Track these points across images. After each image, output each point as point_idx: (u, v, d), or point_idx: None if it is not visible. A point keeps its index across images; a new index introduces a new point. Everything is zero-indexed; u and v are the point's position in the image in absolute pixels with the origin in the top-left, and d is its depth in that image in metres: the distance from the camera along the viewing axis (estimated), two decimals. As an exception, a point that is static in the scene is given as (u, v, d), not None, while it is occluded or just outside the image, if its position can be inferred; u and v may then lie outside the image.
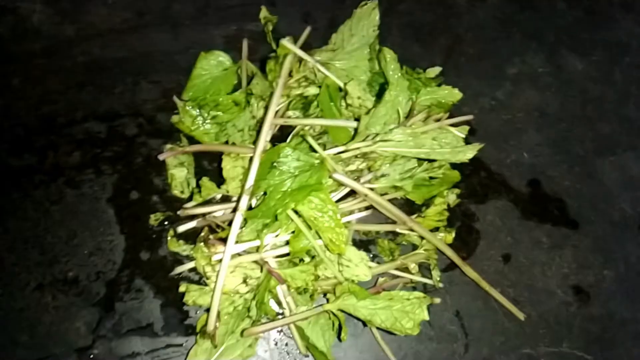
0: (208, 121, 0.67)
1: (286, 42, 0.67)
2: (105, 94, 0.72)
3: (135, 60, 0.73)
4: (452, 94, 0.65)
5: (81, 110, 0.71)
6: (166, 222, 0.67)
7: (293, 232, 0.61)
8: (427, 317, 0.57)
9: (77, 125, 0.70)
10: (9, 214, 0.67)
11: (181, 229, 0.65)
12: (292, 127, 0.69)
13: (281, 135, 0.69)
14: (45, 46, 0.73)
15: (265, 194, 0.61)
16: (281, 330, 0.65)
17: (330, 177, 0.61)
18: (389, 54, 0.63)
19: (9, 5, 0.74)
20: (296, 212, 0.60)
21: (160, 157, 0.66)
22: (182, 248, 0.65)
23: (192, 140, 0.68)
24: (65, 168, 0.69)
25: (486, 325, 0.67)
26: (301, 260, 0.62)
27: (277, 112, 0.66)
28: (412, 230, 0.65)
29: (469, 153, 0.62)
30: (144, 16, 0.75)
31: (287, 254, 0.61)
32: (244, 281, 0.61)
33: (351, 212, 0.66)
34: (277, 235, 0.62)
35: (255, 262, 0.61)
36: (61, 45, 0.73)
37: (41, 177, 0.68)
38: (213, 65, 0.70)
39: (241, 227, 0.60)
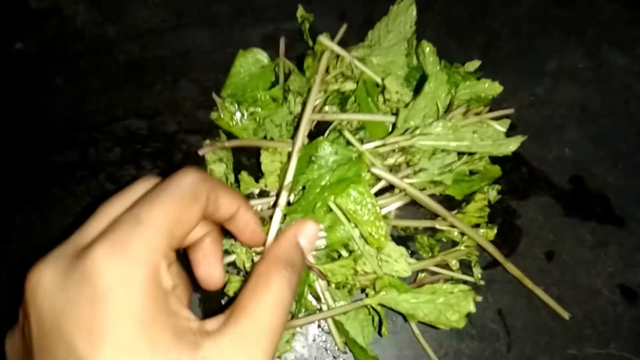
0: (246, 117, 0.68)
1: (323, 38, 0.67)
2: (145, 92, 0.73)
3: (175, 59, 0.74)
4: (492, 87, 0.64)
5: (122, 108, 0.72)
6: (205, 217, 0.67)
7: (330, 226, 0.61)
8: (473, 309, 0.55)
9: (118, 122, 0.72)
10: (50, 208, 0.68)
11: (220, 223, 0.65)
12: (328, 124, 0.68)
13: (318, 131, 0.68)
14: (87, 46, 0.75)
15: (304, 188, 0.61)
16: (320, 326, 0.64)
17: (368, 170, 0.60)
18: (427, 47, 0.63)
19: (54, 8, 0.76)
20: (336, 205, 0.59)
21: (200, 152, 0.66)
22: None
23: (231, 136, 0.69)
24: (106, 164, 0.70)
25: (529, 324, 0.65)
26: (339, 255, 0.62)
27: (314, 108, 0.66)
28: (452, 226, 0.64)
29: (512, 145, 0.60)
30: (182, 17, 0.76)
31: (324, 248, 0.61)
32: (283, 275, 0.60)
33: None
34: (315, 230, 0.61)
35: (294, 256, 0.61)
36: (103, 45, 0.75)
37: (82, 172, 0.70)
38: (251, 62, 0.70)
39: (280, 223, 0.60)
